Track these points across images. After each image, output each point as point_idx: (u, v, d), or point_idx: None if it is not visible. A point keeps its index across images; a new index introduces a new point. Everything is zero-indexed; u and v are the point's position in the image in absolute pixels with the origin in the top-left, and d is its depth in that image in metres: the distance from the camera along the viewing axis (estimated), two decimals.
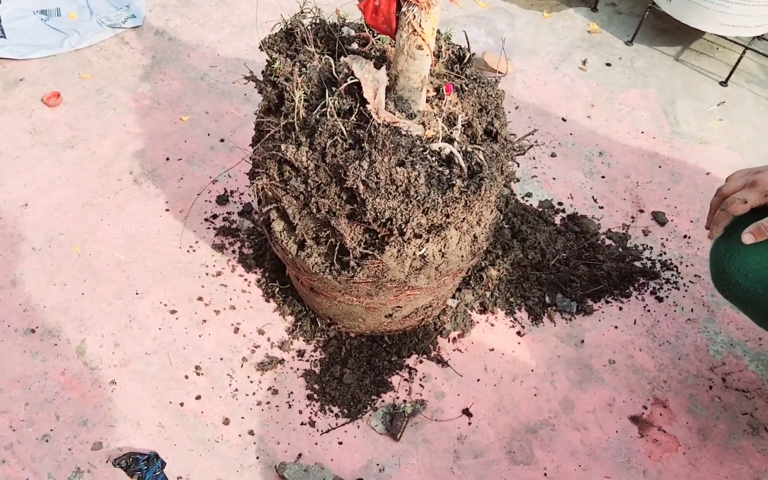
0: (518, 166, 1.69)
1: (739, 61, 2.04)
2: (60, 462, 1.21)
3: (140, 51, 2.02)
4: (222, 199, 1.64)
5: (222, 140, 1.78)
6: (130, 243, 1.55)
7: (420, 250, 1.10)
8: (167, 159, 1.72)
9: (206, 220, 1.60)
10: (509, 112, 1.92)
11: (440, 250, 1.13)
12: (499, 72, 1.95)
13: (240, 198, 1.65)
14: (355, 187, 1.01)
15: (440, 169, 1.04)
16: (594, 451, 1.30)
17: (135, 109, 1.84)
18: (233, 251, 1.55)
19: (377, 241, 1.10)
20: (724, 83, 2.07)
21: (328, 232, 1.11)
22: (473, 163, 1.05)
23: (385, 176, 1.00)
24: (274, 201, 1.16)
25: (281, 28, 1.21)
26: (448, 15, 2.25)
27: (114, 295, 1.45)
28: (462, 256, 1.17)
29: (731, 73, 2.06)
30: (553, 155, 1.82)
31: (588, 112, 1.95)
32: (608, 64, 2.13)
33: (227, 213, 1.62)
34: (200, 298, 1.46)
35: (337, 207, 1.07)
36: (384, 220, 1.04)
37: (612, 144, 1.86)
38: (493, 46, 2.13)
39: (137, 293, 1.46)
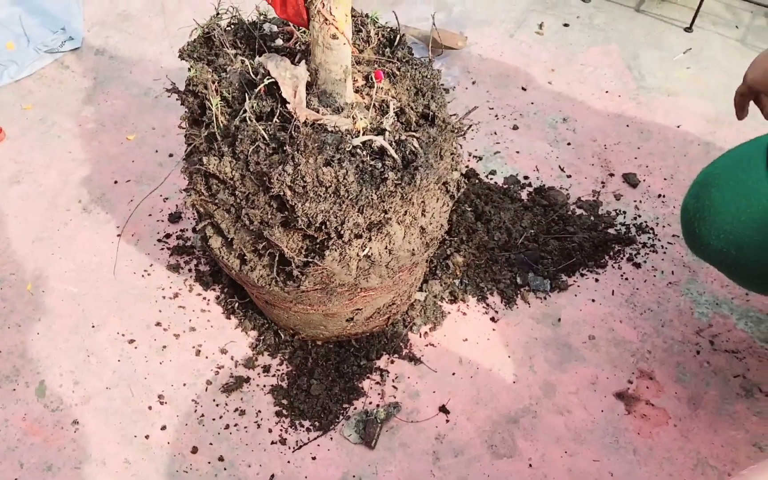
0: (463, 148, 1.62)
1: (701, 3, 1.95)
2: None
3: (81, 73, 1.95)
4: (174, 217, 1.58)
5: (171, 155, 1.71)
6: (83, 274, 1.49)
7: (363, 251, 1.03)
8: (115, 182, 1.66)
9: (159, 240, 1.54)
10: (466, 88, 1.85)
11: (386, 248, 1.06)
12: (452, 47, 1.87)
13: (193, 214, 1.59)
14: (282, 193, 0.95)
15: (372, 163, 0.97)
16: (580, 434, 1.23)
17: (80, 135, 1.77)
18: (189, 270, 1.49)
19: (317, 246, 1.03)
20: (688, 29, 1.98)
21: (264, 243, 1.05)
22: (407, 153, 0.98)
23: (312, 178, 0.93)
24: (207, 216, 1.10)
25: (199, 33, 1.14)
26: None
27: (70, 331, 1.40)
28: (413, 250, 1.10)
29: (695, 17, 1.97)
30: (515, 128, 1.74)
31: (548, 78, 1.87)
32: (566, 25, 2.05)
33: (181, 230, 1.56)
34: (158, 323, 1.40)
35: (269, 216, 1.00)
36: (318, 225, 0.97)
37: (576, 108, 1.78)
38: (443, 22, 2.04)
39: (93, 326, 1.40)
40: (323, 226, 0.98)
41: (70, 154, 1.72)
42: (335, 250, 1.01)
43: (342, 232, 0.98)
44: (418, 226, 1.07)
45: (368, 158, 0.96)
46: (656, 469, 1.18)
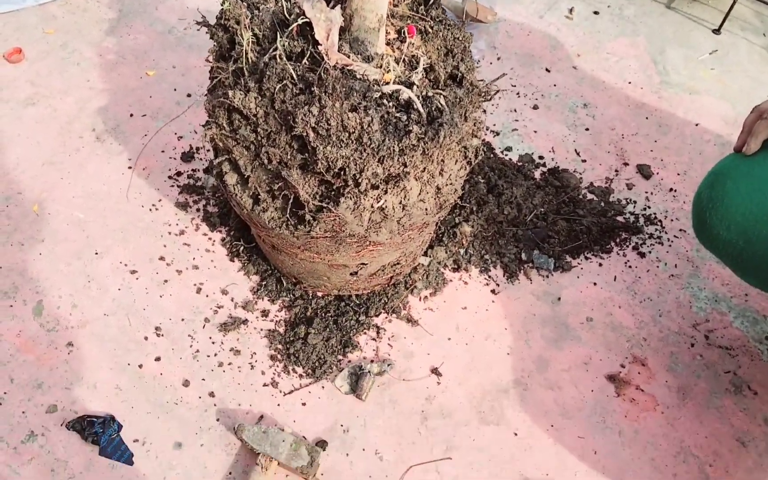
0: (487, 120, 1.62)
1: (732, 7, 1.94)
2: (13, 425, 1.17)
3: (106, 4, 1.93)
4: (187, 156, 1.57)
5: (189, 95, 1.71)
6: (91, 202, 1.49)
7: (378, 203, 1.04)
8: (131, 115, 1.65)
9: (170, 177, 1.54)
10: (490, 63, 1.84)
11: (400, 203, 1.06)
12: (481, 20, 1.86)
13: (206, 155, 1.59)
14: (305, 134, 0.95)
15: (397, 115, 0.97)
16: (568, 410, 1.25)
17: (99, 65, 1.76)
18: (197, 209, 1.49)
19: (332, 193, 1.03)
20: (716, 31, 1.97)
21: (281, 184, 1.05)
22: (433, 109, 0.99)
23: (336, 122, 0.94)
24: (225, 152, 1.10)
25: None
26: None
27: (72, 255, 1.40)
28: (426, 210, 1.11)
29: (724, 20, 1.97)
30: (535, 107, 1.74)
31: (573, 63, 1.87)
32: (596, 13, 2.04)
33: (192, 170, 1.56)
34: (162, 258, 1.41)
35: (289, 157, 1.00)
36: (337, 170, 0.97)
37: (597, 95, 1.78)
38: None
39: (97, 253, 1.41)
40: (342, 173, 0.98)
41: (87, 83, 1.71)
42: (350, 199, 1.02)
43: (359, 180, 0.98)
44: (434, 184, 1.08)
45: (394, 110, 0.97)
46: (639, 452, 1.20)
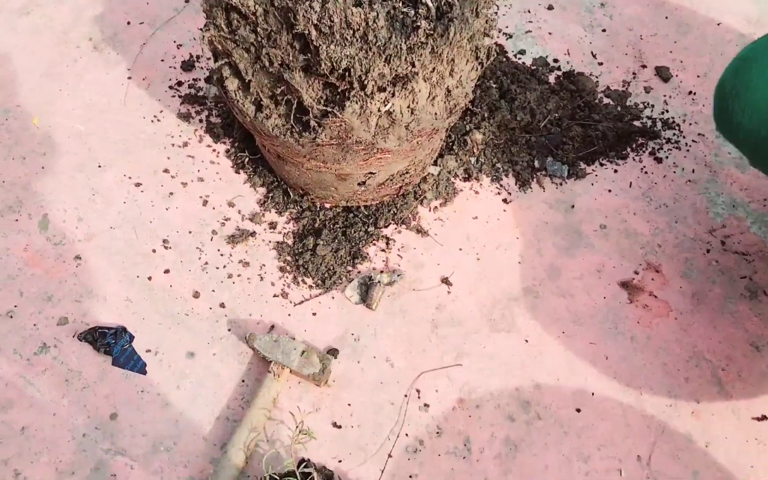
0: (500, 22, 1.54)
1: None
2: (25, 337, 1.18)
3: None
4: (187, 65, 1.52)
5: (187, 1, 1.63)
6: (91, 113, 1.45)
7: (385, 106, 0.99)
8: (128, 23, 1.59)
9: (171, 87, 1.49)
10: None
11: (409, 107, 1.02)
12: None
13: (207, 63, 1.53)
14: (307, 32, 0.90)
15: (404, 10, 0.91)
16: (579, 317, 1.24)
17: None
18: (200, 120, 1.45)
19: (337, 97, 0.99)
20: None
21: (283, 88, 1.01)
22: (443, 3, 0.93)
23: (340, 19, 0.88)
24: (225, 56, 1.05)
25: None
26: None
27: (75, 168, 1.37)
28: (435, 114, 1.06)
29: None
30: (550, 7, 1.66)
31: None
32: None
33: (193, 80, 1.51)
34: (166, 170, 1.38)
35: (290, 58, 0.96)
36: (341, 72, 0.93)
37: None
38: None
39: (100, 166, 1.38)
40: (346, 74, 0.93)
41: None
42: (356, 103, 0.98)
43: (365, 82, 0.94)
44: (444, 86, 1.03)
45: (401, 4, 0.91)
46: (651, 357, 1.20)
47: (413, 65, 0.93)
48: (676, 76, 1.55)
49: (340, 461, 1.09)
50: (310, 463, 1.06)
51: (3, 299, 1.22)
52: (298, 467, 1.03)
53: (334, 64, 0.92)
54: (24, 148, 1.39)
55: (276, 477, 1.01)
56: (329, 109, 0.99)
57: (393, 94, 0.99)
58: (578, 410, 1.15)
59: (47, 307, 1.21)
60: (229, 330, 1.21)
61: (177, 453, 1.09)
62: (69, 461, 1.07)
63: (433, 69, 0.99)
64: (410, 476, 1.08)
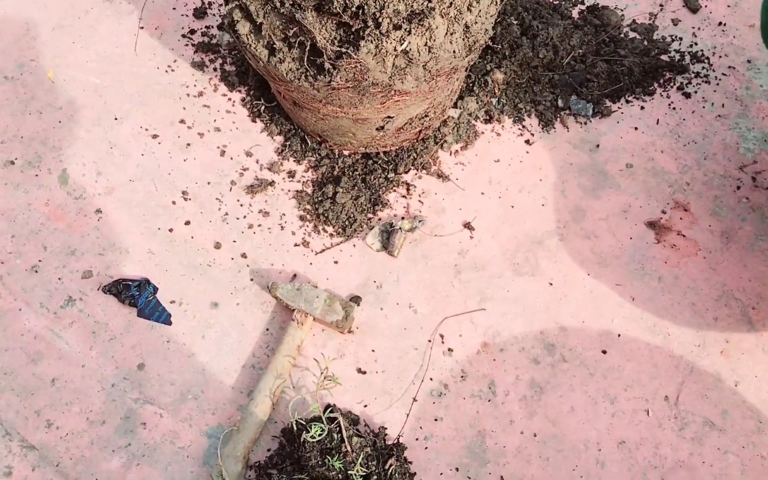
0: None
1: None
2: (51, 291, 1.19)
3: None
4: (200, 12, 1.49)
5: None
6: (105, 65, 1.43)
7: (401, 45, 0.96)
8: None
9: (184, 36, 1.46)
10: None
11: (426, 44, 0.98)
12: None
13: (219, 10, 1.50)
14: None
15: None
16: (605, 259, 1.22)
17: None
18: (214, 69, 1.42)
19: (352, 37, 0.96)
20: None
21: (296, 29, 0.98)
22: None
23: None
24: None
25: None
26: None
27: (92, 122, 1.37)
28: (454, 52, 1.03)
29: None
30: None
31: None
32: None
33: (206, 27, 1.48)
34: (182, 121, 1.37)
35: None
36: (355, 9, 0.90)
37: None
38: None
39: (116, 118, 1.37)
40: (360, 12, 0.90)
41: None
42: (371, 42, 0.95)
43: (380, 19, 0.90)
44: (462, 22, 0.99)
45: None
46: (679, 297, 1.18)
47: (429, 0, 0.90)
48: (705, 6, 1.48)
49: (365, 406, 1.10)
50: (335, 408, 1.07)
51: (28, 254, 1.23)
52: (324, 412, 1.03)
53: (347, 1, 0.88)
54: (40, 103, 1.39)
55: (302, 422, 1.02)
56: (343, 49, 0.96)
57: (409, 32, 0.95)
58: (604, 352, 1.13)
59: (71, 261, 1.22)
60: (251, 280, 1.21)
61: (204, 401, 1.10)
62: (99, 410, 1.09)
63: (451, 3, 0.95)
64: (435, 419, 1.09)
